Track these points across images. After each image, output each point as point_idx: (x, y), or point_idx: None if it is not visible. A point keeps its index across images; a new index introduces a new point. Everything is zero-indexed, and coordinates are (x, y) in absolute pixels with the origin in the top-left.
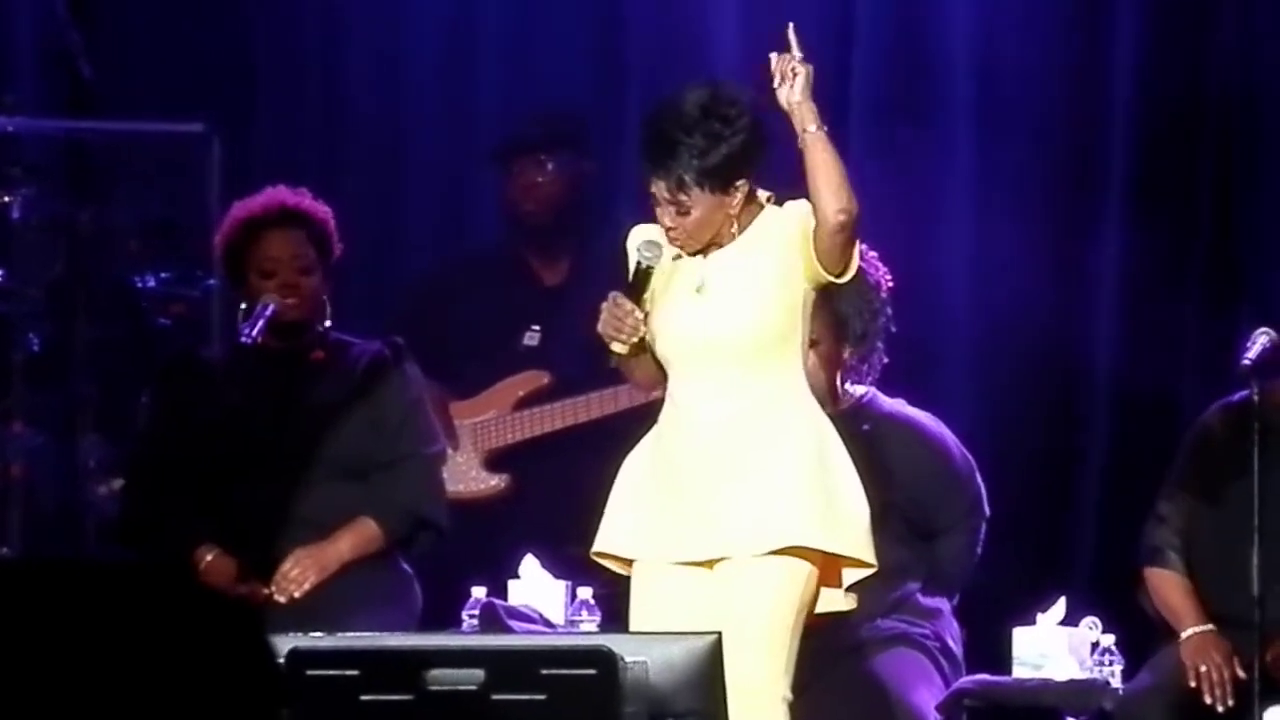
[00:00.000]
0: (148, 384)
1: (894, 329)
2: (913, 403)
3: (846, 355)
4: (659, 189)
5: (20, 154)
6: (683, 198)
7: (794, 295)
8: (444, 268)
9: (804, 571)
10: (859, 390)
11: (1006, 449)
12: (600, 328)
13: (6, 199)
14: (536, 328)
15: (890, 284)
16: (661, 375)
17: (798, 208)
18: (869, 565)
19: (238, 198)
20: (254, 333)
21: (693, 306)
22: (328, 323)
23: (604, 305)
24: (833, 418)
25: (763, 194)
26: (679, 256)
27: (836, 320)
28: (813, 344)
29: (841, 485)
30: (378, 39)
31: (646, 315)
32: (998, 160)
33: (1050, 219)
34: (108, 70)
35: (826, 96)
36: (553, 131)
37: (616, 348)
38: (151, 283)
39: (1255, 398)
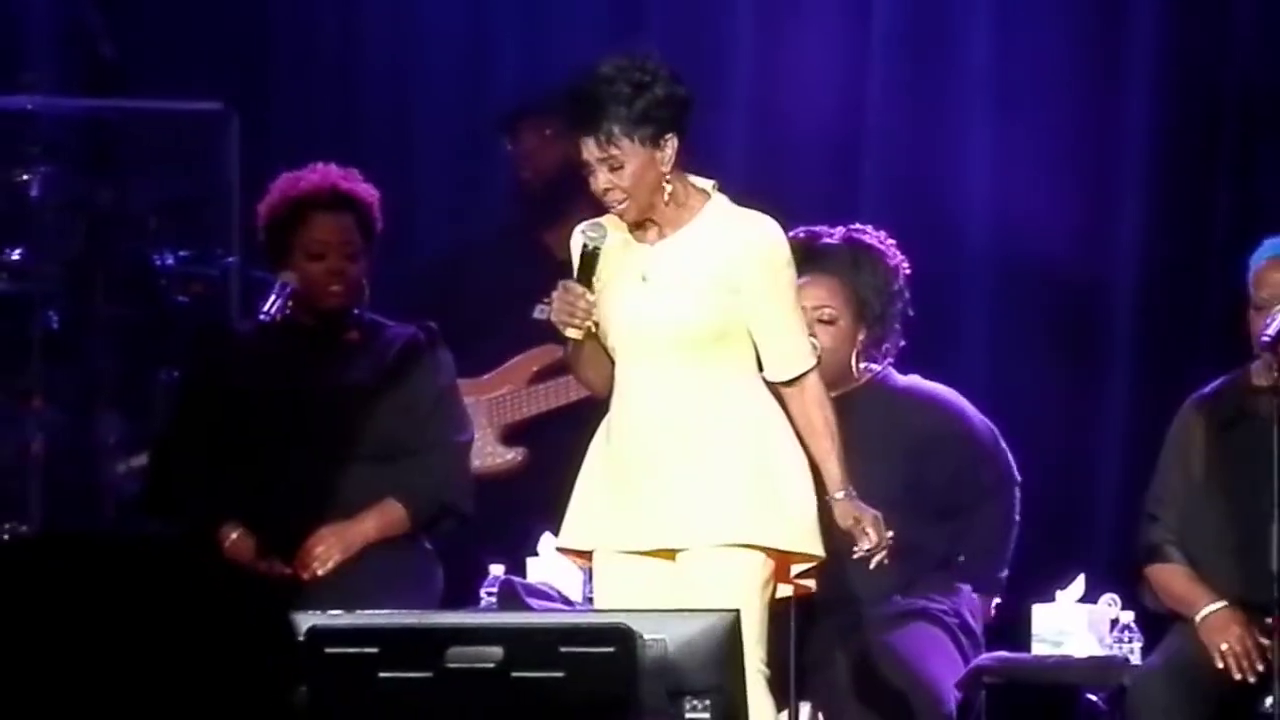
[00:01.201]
0: (171, 359)
1: (911, 313)
2: (932, 377)
3: (863, 336)
4: (590, 151)
5: (40, 133)
6: (614, 150)
7: (734, 307)
8: (456, 244)
9: (759, 557)
10: (874, 368)
11: (1025, 425)
12: (553, 315)
13: (26, 177)
14: (547, 300)
15: (908, 270)
16: (611, 374)
17: (762, 257)
18: (817, 558)
19: (257, 176)
20: (272, 311)
21: (637, 295)
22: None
23: (554, 293)
24: (847, 396)
25: (706, 182)
26: (636, 244)
27: (856, 300)
28: (830, 322)
29: (786, 479)
30: (394, 16)
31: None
32: (1015, 149)
33: (1073, 190)
34: (127, 49)
35: (846, 30)
36: (554, 100)
37: (571, 333)
38: (170, 261)
39: (1276, 374)
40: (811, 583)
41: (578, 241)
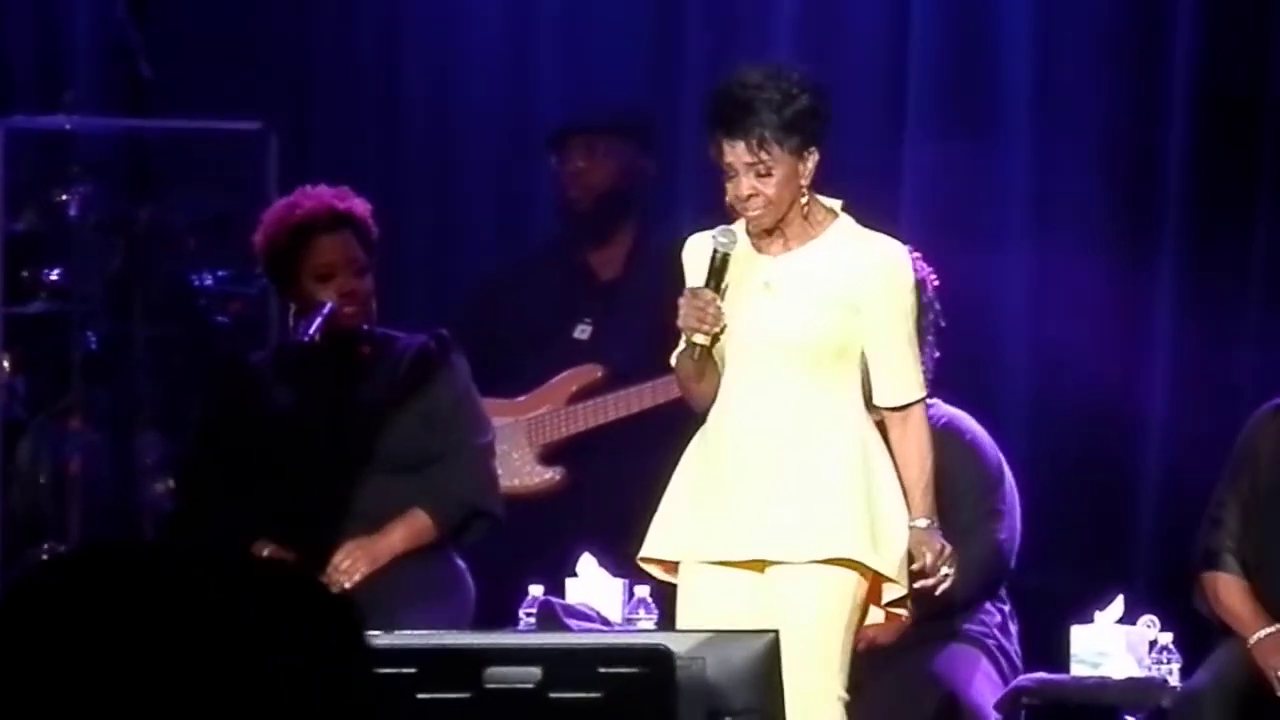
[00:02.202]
0: (201, 384)
1: (944, 324)
2: (968, 400)
3: None
4: (736, 154)
5: (79, 152)
6: (764, 155)
7: (854, 326)
8: (498, 264)
9: (853, 579)
10: None
11: (1064, 446)
12: (681, 321)
13: (65, 197)
14: (588, 320)
15: (936, 281)
16: (718, 386)
17: (886, 280)
18: (902, 587)
19: (278, 200)
20: (312, 331)
21: (760, 303)
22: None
23: (681, 300)
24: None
25: (834, 202)
26: (759, 255)
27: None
28: None
29: (886, 505)
30: (434, 35)
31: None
32: (1055, 165)
33: (1107, 230)
34: (166, 69)
35: (880, 104)
36: (602, 118)
37: (699, 338)
38: (209, 280)
39: None
40: (904, 611)
41: (706, 247)
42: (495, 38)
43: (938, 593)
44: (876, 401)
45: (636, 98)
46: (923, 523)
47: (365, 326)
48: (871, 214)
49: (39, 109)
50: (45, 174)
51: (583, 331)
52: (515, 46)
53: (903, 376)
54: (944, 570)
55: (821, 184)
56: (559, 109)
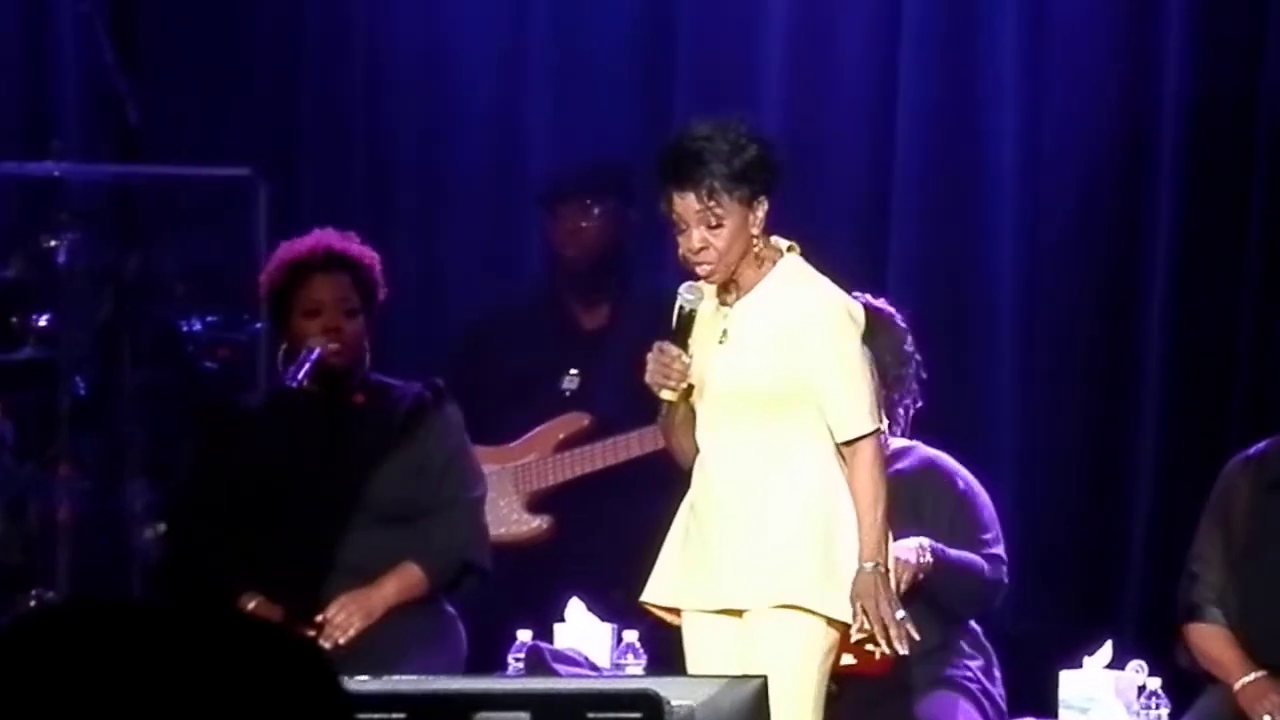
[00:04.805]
0: (191, 431)
1: (924, 375)
2: (957, 442)
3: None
4: (686, 205)
5: (67, 199)
6: (714, 206)
7: (800, 369)
8: (485, 313)
9: (817, 622)
10: (900, 443)
11: (1053, 490)
12: (648, 377)
13: (53, 244)
14: (575, 372)
15: (912, 340)
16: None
17: (819, 320)
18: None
19: (284, 242)
20: (300, 375)
21: (717, 357)
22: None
23: (649, 355)
24: None
25: (784, 243)
26: (720, 307)
27: (873, 363)
28: None
29: (845, 547)
30: (422, 83)
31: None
32: (1045, 213)
33: (1095, 271)
34: (155, 116)
35: (870, 155)
36: (598, 177)
37: (666, 395)
38: (198, 327)
39: None
40: (877, 649)
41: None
42: (484, 87)
43: (889, 647)
44: (824, 436)
45: (623, 150)
46: (868, 566)
47: (360, 373)
48: (859, 264)
49: (27, 156)
50: (33, 221)
51: (570, 382)
52: (504, 95)
53: (847, 411)
54: (899, 615)
55: (809, 240)
56: (546, 159)
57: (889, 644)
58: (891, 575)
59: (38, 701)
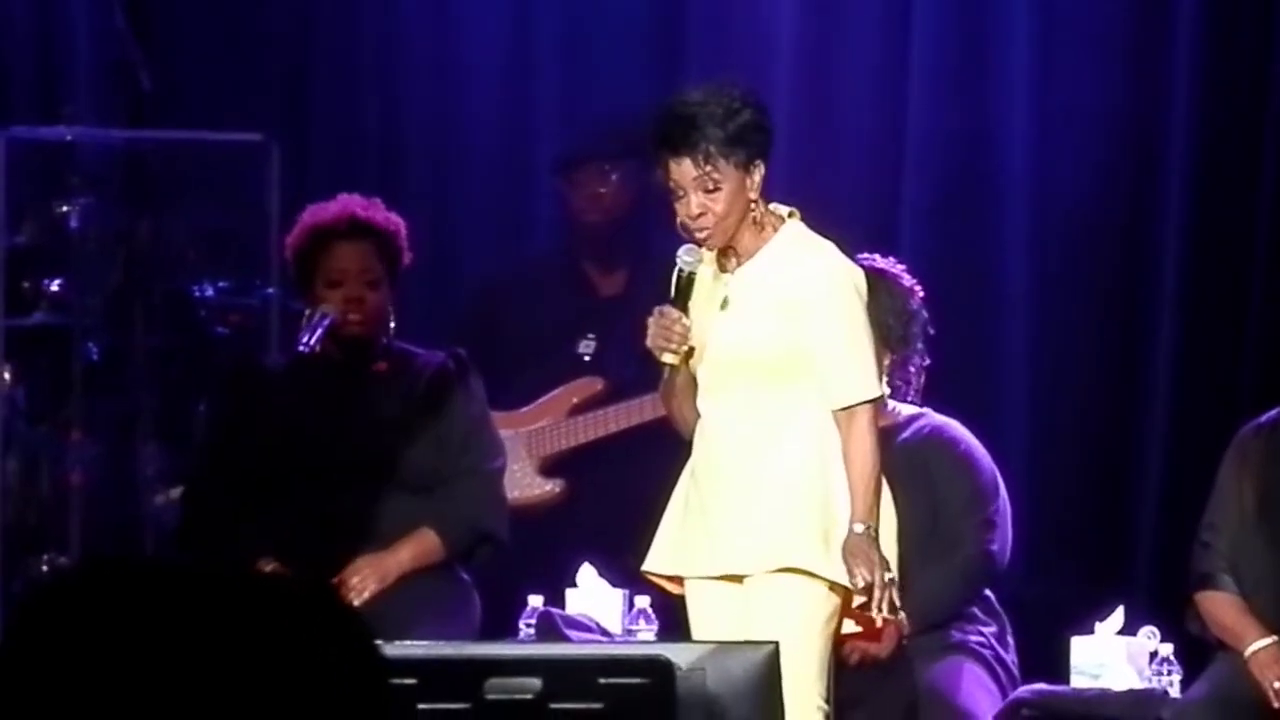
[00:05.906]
0: (209, 391)
1: (932, 331)
2: (966, 409)
3: (888, 360)
4: (683, 172)
5: (79, 164)
6: (711, 171)
7: (800, 334)
8: (500, 276)
9: (819, 586)
10: (910, 410)
11: (1066, 457)
12: (649, 341)
13: (65, 209)
14: (591, 337)
15: (922, 294)
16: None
17: (821, 284)
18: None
19: (296, 207)
20: (311, 341)
21: (719, 322)
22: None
23: (650, 319)
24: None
25: (785, 209)
26: (720, 273)
27: (876, 324)
28: None
29: (842, 513)
30: (434, 47)
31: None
32: (1055, 175)
33: (1105, 241)
34: (167, 81)
35: (880, 142)
36: (618, 141)
37: (668, 358)
38: (210, 292)
39: None
40: (879, 616)
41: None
42: (496, 47)
43: (879, 609)
44: (823, 403)
45: (637, 114)
46: (859, 528)
47: (383, 341)
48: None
49: (39, 121)
50: (46, 186)
51: (587, 348)
52: (516, 57)
53: (845, 377)
54: (863, 578)
55: (818, 209)
56: (560, 121)
57: (876, 607)
58: (882, 541)
59: (75, 659)
